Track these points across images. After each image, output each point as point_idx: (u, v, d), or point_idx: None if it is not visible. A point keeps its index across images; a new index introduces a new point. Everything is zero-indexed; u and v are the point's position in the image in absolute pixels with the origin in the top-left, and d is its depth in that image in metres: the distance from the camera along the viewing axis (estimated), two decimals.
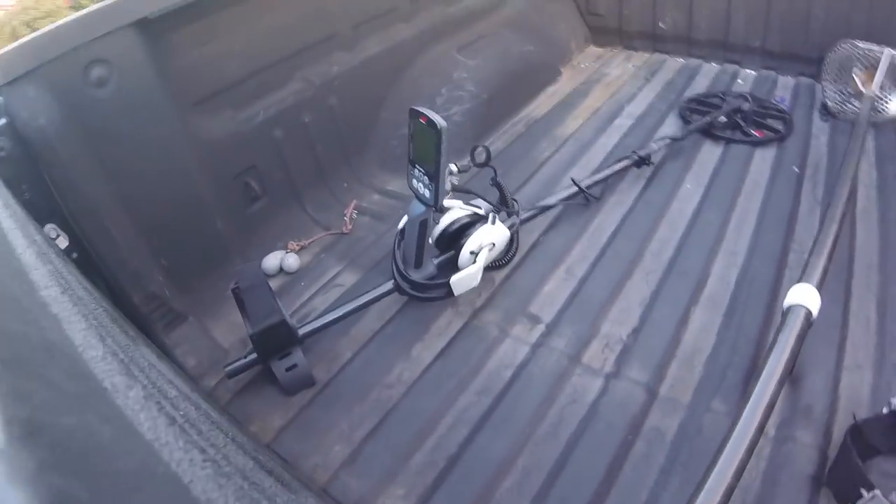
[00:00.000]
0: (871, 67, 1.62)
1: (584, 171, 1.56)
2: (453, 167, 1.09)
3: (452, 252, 1.20)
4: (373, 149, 1.66)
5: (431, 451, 0.95)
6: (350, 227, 1.48)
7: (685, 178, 1.52)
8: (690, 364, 1.03)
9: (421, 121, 1.01)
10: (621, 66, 2.16)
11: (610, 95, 1.95)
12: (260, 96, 1.39)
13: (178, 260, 1.25)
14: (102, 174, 1.10)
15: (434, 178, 1.03)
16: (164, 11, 1.12)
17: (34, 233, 0.81)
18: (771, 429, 0.90)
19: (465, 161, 1.13)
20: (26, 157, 1.01)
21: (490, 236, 1.18)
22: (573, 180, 1.42)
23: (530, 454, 0.92)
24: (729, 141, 1.64)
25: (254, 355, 1.09)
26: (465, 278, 1.15)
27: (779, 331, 0.85)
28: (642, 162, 1.51)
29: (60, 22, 1.03)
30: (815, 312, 0.88)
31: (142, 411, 0.41)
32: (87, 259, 1.13)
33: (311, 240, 1.44)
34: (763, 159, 1.56)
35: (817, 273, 0.94)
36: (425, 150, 1.03)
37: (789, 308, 0.88)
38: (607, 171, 1.47)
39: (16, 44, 1.01)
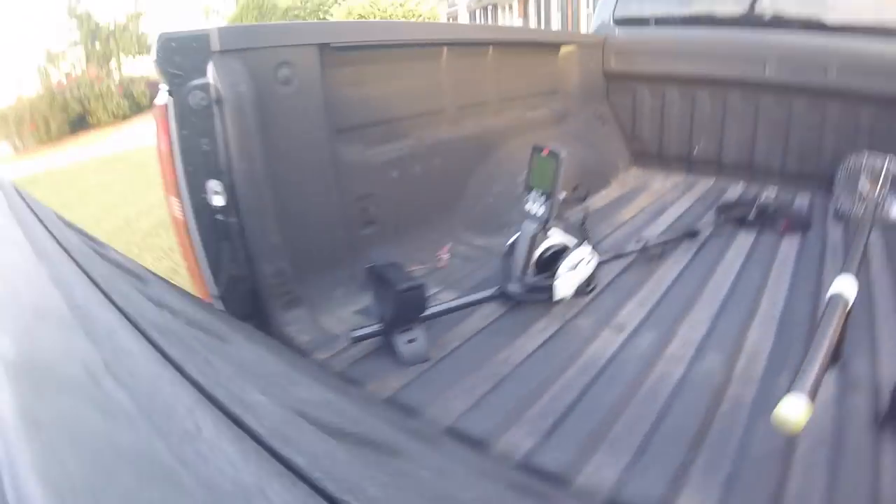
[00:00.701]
0: (876, 176, 1.96)
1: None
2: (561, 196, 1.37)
3: (549, 273, 1.44)
4: (461, 212, 1.95)
5: (548, 403, 1.12)
6: (445, 264, 1.72)
7: (726, 254, 1.77)
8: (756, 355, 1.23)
9: (542, 154, 1.31)
10: (661, 182, 2.53)
11: (655, 199, 2.29)
12: (385, 141, 1.72)
13: (301, 252, 1.49)
14: (266, 153, 1.37)
15: (550, 197, 1.31)
16: (342, 45, 1.50)
17: None
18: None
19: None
20: (218, 115, 1.30)
21: (587, 256, 1.42)
22: (638, 240, 1.70)
23: (635, 407, 1.09)
24: (759, 231, 1.93)
25: (379, 325, 1.28)
26: (567, 281, 1.37)
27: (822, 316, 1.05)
28: (692, 235, 1.81)
29: (264, 24, 1.39)
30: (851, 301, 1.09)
31: None
32: (239, 223, 1.37)
33: (412, 267, 1.68)
34: (789, 245, 1.84)
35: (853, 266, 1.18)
36: (543, 177, 1.34)
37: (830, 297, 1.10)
38: (665, 237, 1.76)
39: (230, 26, 1.32)
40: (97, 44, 20.85)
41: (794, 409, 0.92)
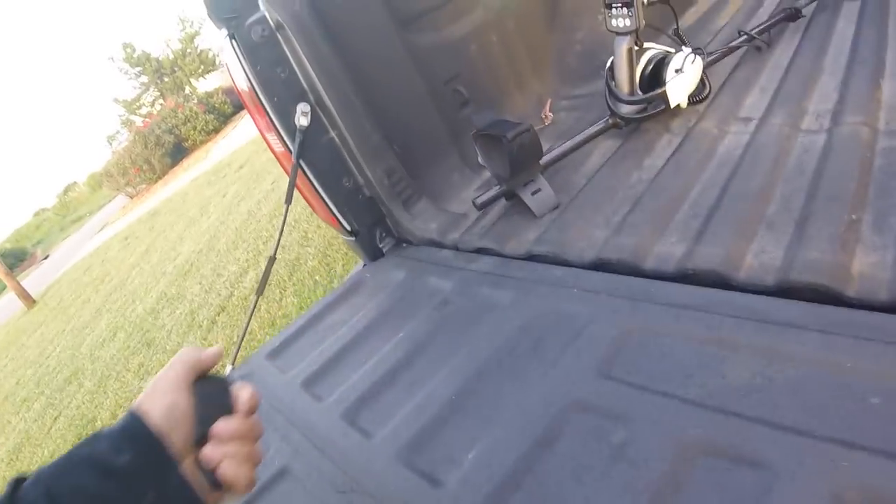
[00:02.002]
0: None
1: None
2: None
3: (658, 89, 1.35)
4: (552, 66, 1.88)
5: (690, 208, 1.08)
6: (550, 120, 1.68)
7: (836, 25, 1.54)
8: None
9: None
10: None
11: None
12: (452, 20, 1.67)
13: (407, 148, 1.52)
14: (342, 62, 1.39)
15: (632, 4, 1.23)
16: None
17: None
18: None
19: None
20: (284, 41, 1.32)
21: (691, 57, 1.31)
22: (741, 31, 1.54)
23: (785, 186, 1.03)
24: None
25: (500, 187, 1.28)
26: (678, 85, 1.30)
27: None
28: (795, 16, 1.61)
29: None
30: None
31: None
32: (340, 136, 1.42)
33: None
34: None
35: None
36: None
37: None
38: (769, 22, 1.58)
39: None
40: (164, 78, 21.96)
41: None
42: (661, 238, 1.04)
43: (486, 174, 1.63)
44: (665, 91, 1.30)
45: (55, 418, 4.21)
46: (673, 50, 1.36)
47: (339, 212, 1.50)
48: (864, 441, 0.61)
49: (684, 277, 0.95)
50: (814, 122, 1.15)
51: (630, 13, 1.25)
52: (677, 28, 1.44)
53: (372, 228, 1.56)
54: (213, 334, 3.85)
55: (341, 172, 1.49)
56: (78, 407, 4.13)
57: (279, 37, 1.34)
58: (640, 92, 1.36)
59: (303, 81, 1.39)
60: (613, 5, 1.27)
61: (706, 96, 1.39)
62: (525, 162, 1.25)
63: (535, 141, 1.24)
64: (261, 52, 1.34)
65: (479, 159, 1.45)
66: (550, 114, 1.71)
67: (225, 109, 18.16)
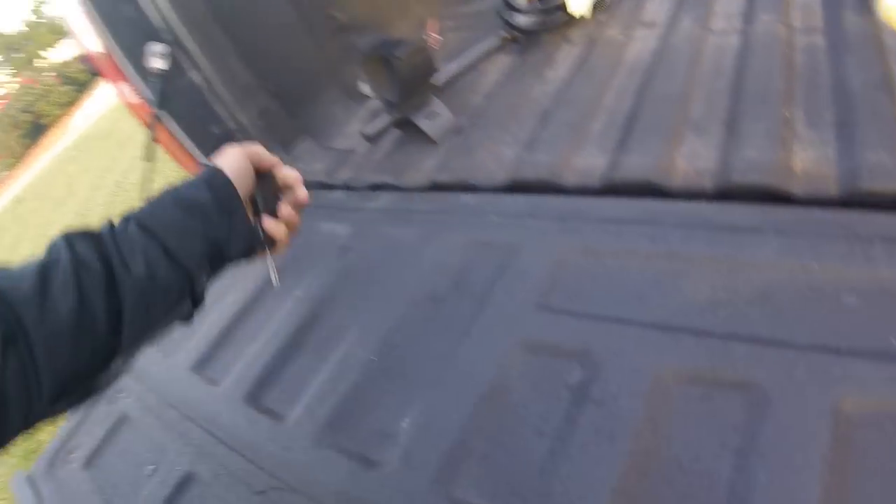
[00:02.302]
0: None
1: None
2: None
3: None
4: None
5: (606, 118, 0.98)
6: (437, 42, 1.52)
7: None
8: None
9: None
10: None
11: None
12: None
13: (281, 85, 1.33)
14: None
15: None
16: None
17: None
18: None
19: None
20: None
21: None
22: None
23: (706, 87, 0.95)
24: None
25: (391, 115, 1.11)
26: None
27: None
28: None
29: None
30: None
31: None
32: (204, 78, 1.22)
33: None
34: None
35: None
36: None
37: None
38: None
39: None
40: (17, 53, 19.89)
41: None
42: (580, 151, 0.94)
43: (374, 104, 1.46)
44: (566, 1, 1.16)
45: None
46: None
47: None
48: (850, 345, 0.55)
49: (613, 190, 0.86)
50: (725, 23, 1.08)
51: None
52: None
53: None
54: None
55: (208, 119, 1.28)
56: None
57: None
58: (538, 2, 1.22)
59: (154, 19, 1.15)
60: None
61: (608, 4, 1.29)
62: (418, 84, 1.10)
63: (428, 59, 1.09)
64: None
65: (365, 88, 1.27)
66: (437, 36, 1.55)
67: (82, 77, 16.57)
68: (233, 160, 0.57)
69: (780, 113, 0.82)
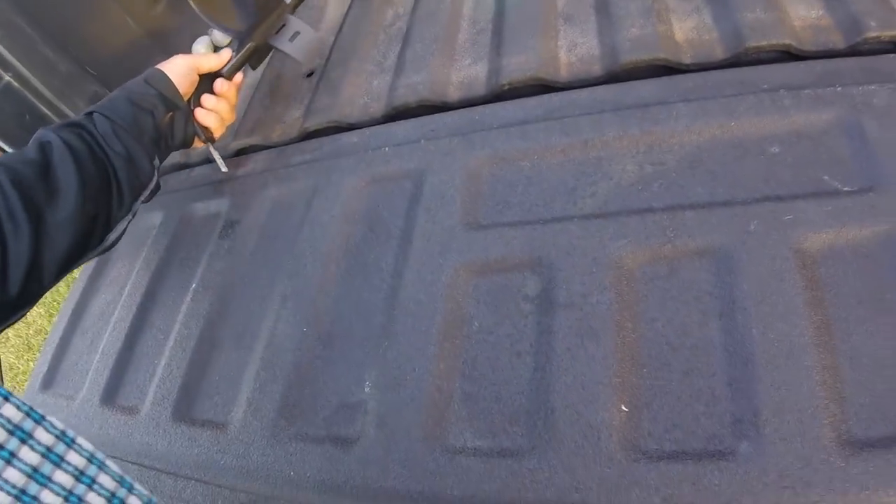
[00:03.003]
0: None
1: None
2: None
3: None
4: None
5: (470, 26, 0.93)
6: None
7: None
8: None
9: None
10: None
11: None
12: None
13: (107, 66, 1.13)
14: None
15: None
16: None
17: None
18: None
19: None
20: None
21: None
22: None
23: None
24: None
25: (245, 46, 0.89)
26: None
27: None
28: None
29: None
30: None
31: None
32: (17, 76, 1.01)
33: None
34: None
35: None
36: None
37: None
38: None
39: None
40: None
41: None
42: (455, 64, 0.88)
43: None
44: None
45: None
46: None
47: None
48: (789, 190, 0.56)
49: (501, 95, 0.81)
50: None
51: None
52: None
53: None
54: None
55: (33, 122, 1.05)
56: None
57: None
58: None
59: None
60: None
61: None
62: (270, 3, 0.89)
63: None
64: None
65: (206, 19, 1.08)
66: None
67: None
68: (174, 65, 0.71)
69: None
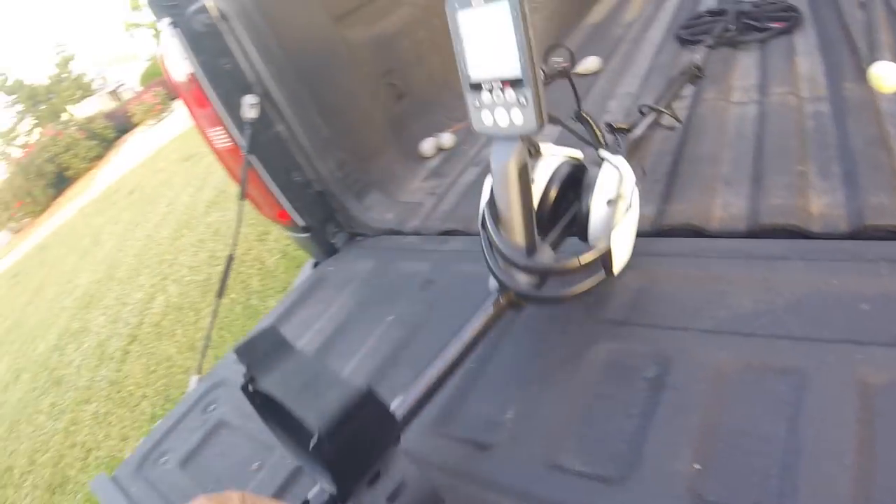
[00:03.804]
0: None
1: (633, 87, 1.61)
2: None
3: (569, 216, 0.89)
4: None
5: (648, 175, 1.18)
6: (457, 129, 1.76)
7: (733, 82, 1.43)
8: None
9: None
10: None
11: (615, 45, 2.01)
12: (383, 16, 1.70)
13: (352, 141, 1.53)
14: (284, 55, 1.38)
15: (526, 82, 0.67)
16: None
17: None
18: None
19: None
20: (228, 32, 1.30)
21: (625, 174, 0.86)
22: (651, 107, 1.20)
23: (730, 150, 1.16)
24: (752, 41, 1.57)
25: (322, 494, 0.63)
26: (622, 234, 0.84)
27: None
28: (698, 74, 1.37)
29: None
30: None
31: None
32: (288, 129, 1.41)
33: (461, 124, 1.71)
34: (804, 39, 1.48)
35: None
36: (494, 50, 0.68)
37: None
38: (672, 91, 1.30)
39: None
40: (41, 105, 20.73)
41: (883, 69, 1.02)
42: None
43: (430, 164, 1.67)
44: (608, 248, 0.82)
45: None
46: (577, 153, 0.92)
47: (293, 207, 1.48)
48: (868, 338, 0.72)
49: (660, 233, 1.04)
50: (743, 96, 1.30)
51: (523, 97, 0.68)
52: (579, 108, 0.93)
53: (324, 223, 1.55)
54: (127, 365, 3.62)
55: (291, 167, 1.47)
56: None
57: (222, 27, 1.31)
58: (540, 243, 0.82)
59: (248, 73, 1.36)
60: (486, 83, 0.71)
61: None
62: (361, 460, 0.62)
63: (380, 414, 0.64)
64: (204, 42, 1.30)
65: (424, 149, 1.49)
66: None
67: (107, 134, 17.14)
68: None
69: (795, 168, 1.02)
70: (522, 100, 0.68)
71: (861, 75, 1.19)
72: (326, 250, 1.56)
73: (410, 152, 1.70)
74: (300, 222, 1.50)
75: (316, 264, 1.61)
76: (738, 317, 0.81)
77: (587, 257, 0.80)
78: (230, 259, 1.48)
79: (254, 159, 1.40)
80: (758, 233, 0.95)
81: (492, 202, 0.82)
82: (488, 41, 0.69)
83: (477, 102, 0.74)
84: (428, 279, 1.20)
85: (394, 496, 0.61)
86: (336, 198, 1.50)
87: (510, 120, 0.72)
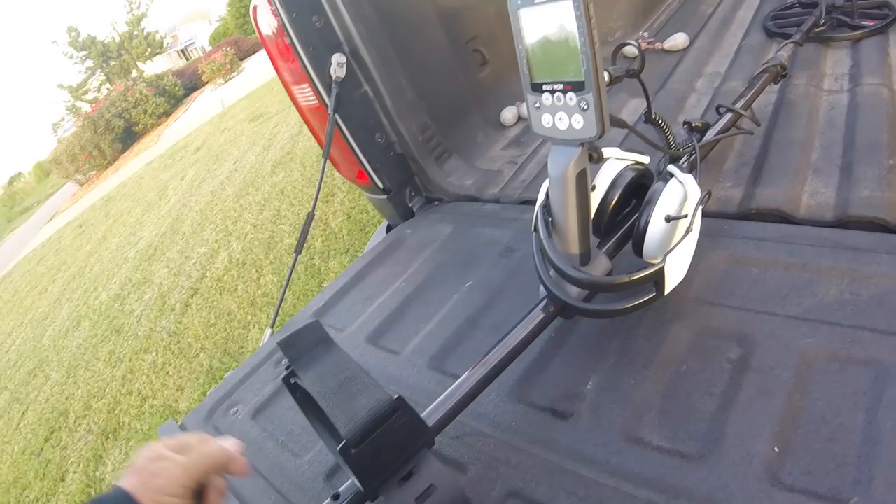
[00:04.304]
0: None
1: (721, 67, 1.57)
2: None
3: (627, 227, 0.92)
4: None
5: (737, 158, 1.19)
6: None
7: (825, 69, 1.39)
8: None
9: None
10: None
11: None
12: None
13: (435, 106, 1.55)
14: (375, 14, 1.40)
15: (588, 86, 0.65)
16: None
17: None
18: None
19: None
20: None
21: (691, 193, 0.85)
22: (729, 108, 1.17)
23: (820, 138, 1.16)
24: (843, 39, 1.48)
25: (352, 487, 0.66)
26: (682, 252, 0.83)
27: None
28: (781, 73, 1.28)
29: None
30: None
31: None
32: (374, 90, 1.44)
33: None
34: None
35: None
36: (556, 52, 0.66)
37: None
38: (753, 91, 1.23)
39: None
40: (111, 62, 21.34)
41: None
42: (717, 185, 1.14)
43: (511, 132, 1.70)
44: (661, 269, 0.80)
45: (23, 413, 4.04)
46: (644, 157, 0.93)
47: (373, 168, 1.52)
48: None
49: (747, 216, 1.06)
50: (834, 84, 1.29)
51: (584, 103, 0.66)
52: (650, 111, 0.93)
53: (402, 186, 1.59)
54: (187, 317, 3.78)
55: (374, 128, 1.49)
56: (47, 399, 3.99)
57: None
58: (598, 250, 0.86)
59: (338, 32, 1.38)
60: (548, 84, 0.70)
61: None
62: (390, 458, 0.64)
63: (410, 422, 0.64)
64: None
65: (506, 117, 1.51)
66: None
67: (176, 92, 17.68)
68: (156, 494, 0.53)
69: (886, 161, 1.02)
70: (584, 104, 0.67)
71: None
72: (403, 213, 1.61)
73: (492, 120, 1.73)
74: (379, 184, 1.54)
75: (388, 228, 1.65)
76: (823, 305, 0.84)
77: (638, 277, 0.79)
78: (310, 216, 1.52)
79: (338, 119, 1.43)
80: (845, 223, 0.96)
81: (547, 206, 0.82)
82: (550, 41, 0.67)
83: (537, 104, 0.72)
84: (508, 247, 1.23)
85: (423, 497, 0.63)
86: (416, 161, 1.54)
87: (570, 124, 0.70)
